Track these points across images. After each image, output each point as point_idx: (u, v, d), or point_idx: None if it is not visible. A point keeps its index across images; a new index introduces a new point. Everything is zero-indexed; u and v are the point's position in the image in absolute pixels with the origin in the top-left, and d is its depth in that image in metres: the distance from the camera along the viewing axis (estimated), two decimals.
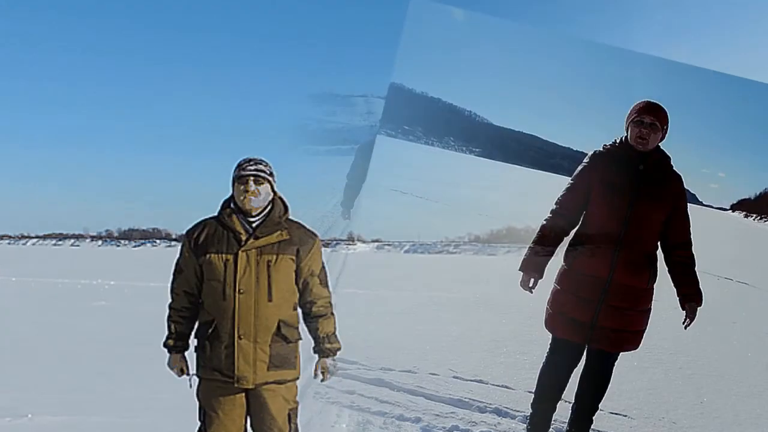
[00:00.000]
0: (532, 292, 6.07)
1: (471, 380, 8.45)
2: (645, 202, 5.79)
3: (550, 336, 6.21)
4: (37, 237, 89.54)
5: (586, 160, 6.03)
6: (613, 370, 6.19)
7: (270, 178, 4.99)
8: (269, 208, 5.00)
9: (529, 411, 6.44)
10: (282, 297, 4.92)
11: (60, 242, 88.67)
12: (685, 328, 5.98)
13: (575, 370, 6.20)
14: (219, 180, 5.04)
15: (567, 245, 6.08)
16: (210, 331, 4.89)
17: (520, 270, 6.07)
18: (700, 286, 5.98)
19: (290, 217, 5.09)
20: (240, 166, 4.97)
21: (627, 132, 5.93)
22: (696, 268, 6.01)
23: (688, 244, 6.02)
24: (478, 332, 11.52)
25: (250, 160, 4.98)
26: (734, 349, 11.09)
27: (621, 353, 6.12)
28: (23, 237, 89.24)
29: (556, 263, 6.15)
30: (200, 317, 5.02)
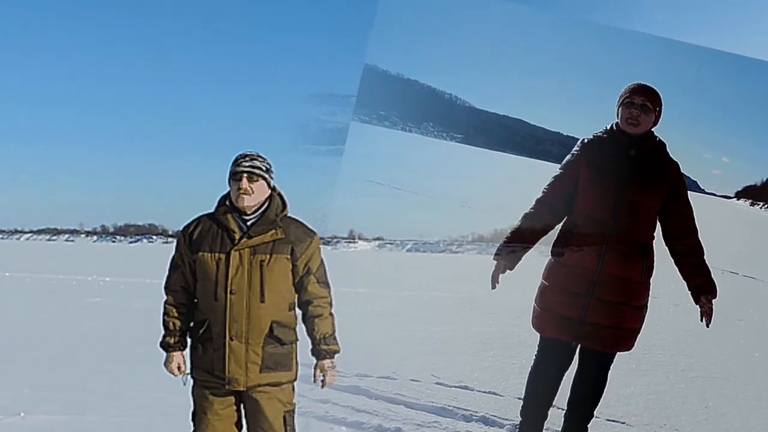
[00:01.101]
0: (494, 287, 6.06)
1: (455, 386, 8.45)
2: (637, 188, 5.78)
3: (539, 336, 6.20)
4: (31, 232, 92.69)
5: (575, 147, 6.03)
6: (609, 373, 6.17)
7: (266, 175, 5.04)
8: (266, 205, 5.06)
9: (518, 419, 6.42)
10: (275, 298, 4.98)
11: (54, 237, 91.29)
12: (707, 325, 5.94)
13: (568, 373, 6.18)
14: (217, 177, 5.08)
15: (554, 237, 6.07)
16: (202, 331, 5.00)
17: (494, 258, 6.07)
18: (713, 277, 5.97)
19: (289, 214, 5.15)
20: (235, 162, 5.03)
21: (617, 115, 5.94)
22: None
23: (693, 231, 5.99)
24: (463, 334, 11.53)
25: (246, 155, 5.03)
26: (741, 348, 11.13)
27: (617, 355, 6.10)
28: (17, 232, 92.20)
29: (541, 259, 6.14)
30: (195, 316, 5.13)
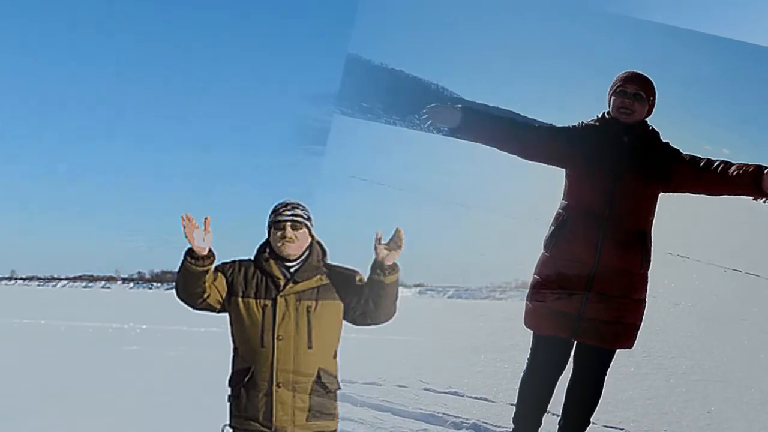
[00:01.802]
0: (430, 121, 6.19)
1: (445, 392, 8.47)
2: (632, 174, 5.80)
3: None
4: (66, 279, 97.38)
5: (574, 124, 6.03)
6: (606, 376, 6.15)
7: (308, 223, 5.16)
8: (307, 253, 5.17)
9: (510, 426, 6.41)
10: (323, 344, 5.09)
11: (90, 284, 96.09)
12: None
13: (563, 379, 6.16)
14: (235, 210, 5.13)
15: (548, 231, 6.05)
16: (246, 379, 5.04)
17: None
18: None
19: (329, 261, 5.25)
20: (276, 211, 5.16)
21: (609, 104, 5.97)
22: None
23: (712, 160, 5.83)
24: (453, 337, 11.53)
25: (287, 204, 5.16)
26: (744, 350, 11.13)
27: (614, 359, 6.08)
28: (53, 279, 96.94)
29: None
30: (235, 365, 5.17)
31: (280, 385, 4.96)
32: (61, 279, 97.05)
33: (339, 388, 5.19)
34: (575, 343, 6.04)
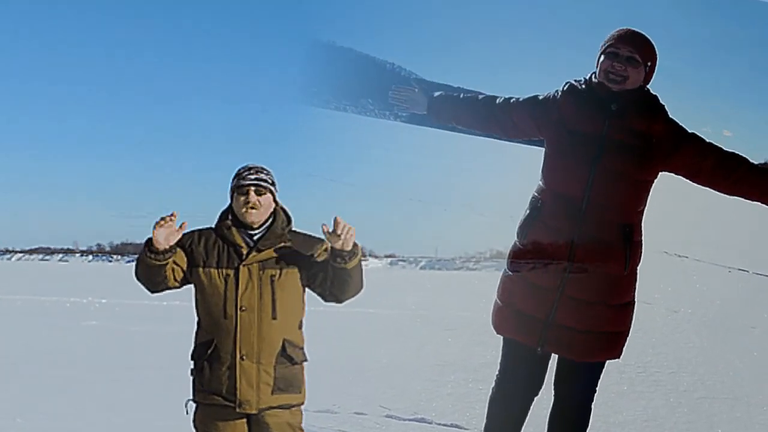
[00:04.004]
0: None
1: (409, 419, 8.45)
2: (617, 152, 5.51)
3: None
4: (22, 251, 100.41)
5: (555, 90, 5.79)
6: (597, 396, 6.03)
7: (272, 188, 5.36)
8: (271, 220, 5.37)
9: None
10: (287, 314, 5.28)
11: (47, 257, 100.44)
12: None
13: (546, 401, 6.05)
14: (219, 188, 5.36)
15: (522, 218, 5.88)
16: (209, 351, 5.25)
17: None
18: None
19: (294, 228, 5.43)
20: (239, 175, 5.35)
21: (597, 67, 5.65)
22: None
23: (729, 155, 5.63)
24: (416, 355, 11.51)
25: (250, 168, 5.35)
26: (754, 362, 11.15)
27: (604, 374, 5.94)
28: (8, 251, 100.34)
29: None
30: (198, 338, 5.36)
31: (244, 357, 5.16)
32: (16, 252, 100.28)
33: (306, 360, 5.38)
34: (556, 359, 5.88)
